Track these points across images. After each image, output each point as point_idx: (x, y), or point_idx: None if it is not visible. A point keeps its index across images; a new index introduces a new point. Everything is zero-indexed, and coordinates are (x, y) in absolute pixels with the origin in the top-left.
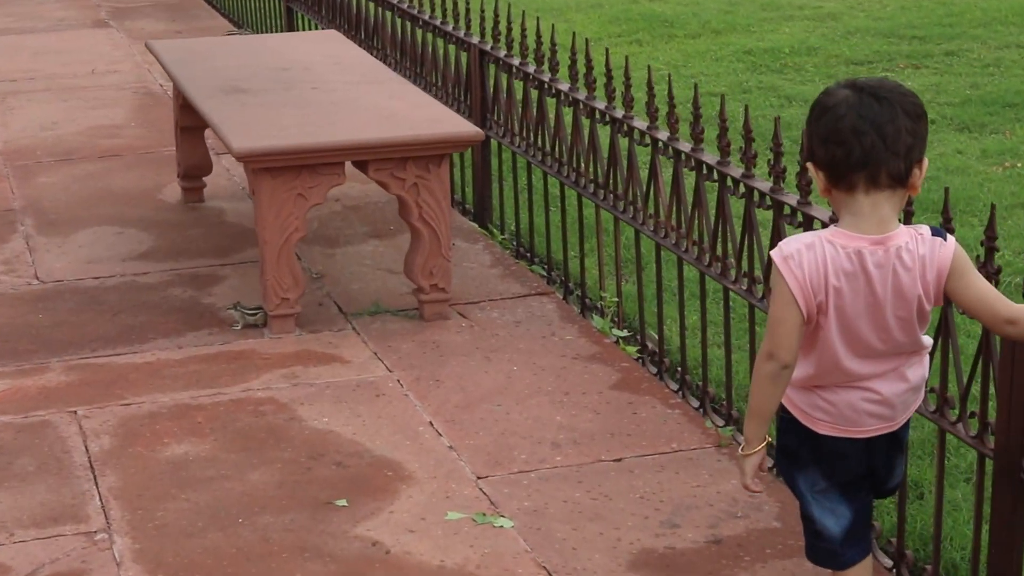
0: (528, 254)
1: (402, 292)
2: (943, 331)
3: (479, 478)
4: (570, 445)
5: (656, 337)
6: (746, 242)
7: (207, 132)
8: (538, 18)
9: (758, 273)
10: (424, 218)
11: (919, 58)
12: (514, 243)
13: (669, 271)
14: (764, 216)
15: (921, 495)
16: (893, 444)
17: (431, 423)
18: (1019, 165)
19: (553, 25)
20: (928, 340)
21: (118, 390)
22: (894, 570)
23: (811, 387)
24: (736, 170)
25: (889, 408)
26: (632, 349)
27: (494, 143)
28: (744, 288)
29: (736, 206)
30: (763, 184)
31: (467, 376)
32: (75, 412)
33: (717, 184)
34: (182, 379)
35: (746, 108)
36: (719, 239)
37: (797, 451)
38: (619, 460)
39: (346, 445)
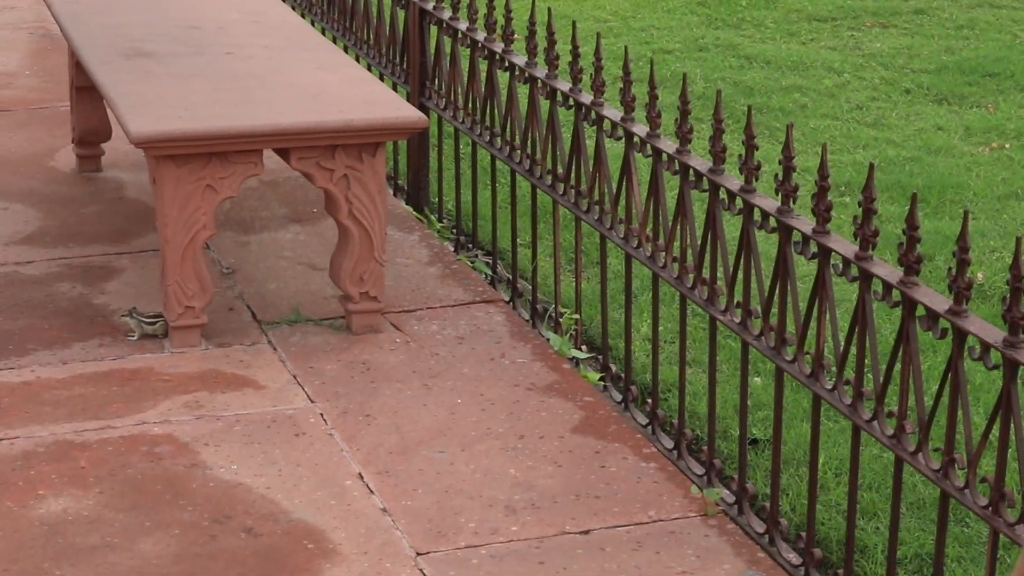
0: (470, 244)
1: (326, 295)
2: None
3: (419, 554)
4: (528, 510)
5: (620, 355)
6: (742, 267)
7: None
8: None
9: (755, 304)
10: (355, 215)
11: (886, 16)
12: (454, 232)
13: (640, 280)
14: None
15: None
16: None
17: (360, 475)
18: (1007, 146)
19: None
20: None
21: None
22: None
23: None
24: (733, 181)
25: None
26: (595, 376)
27: (434, 115)
28: (737, 322)
29: (732, 224)
30: (769, 202)
31: (403, 410)
32: None
33: (708, 195)
34: (65, 406)
35: (749, 111)
36: (706, 259)
37: None
38: (587, 532)
39: (258, 503)
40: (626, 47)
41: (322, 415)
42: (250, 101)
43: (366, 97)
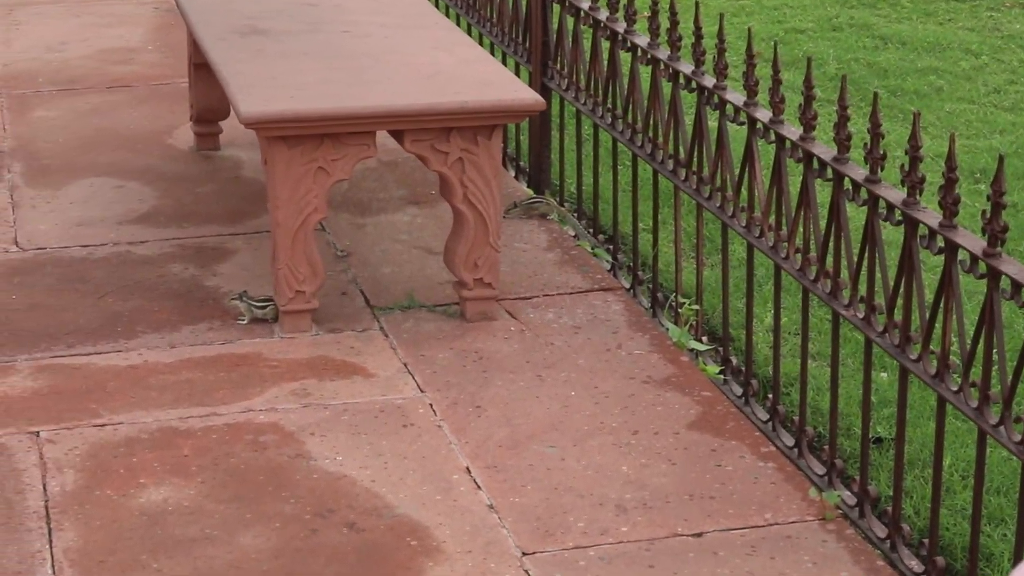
0: (591, 230)
1: (441, 281)
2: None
3: (525, 554)
4: (639, 510)
5: (740, 346)
6: (866, 260)
7: None
8: None
9: (879, 300)
10: (469, 200)
11: None
12: (575, 214)
13: (764, 269)
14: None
15: None
16: None
17: (468, 469)
18: None
19: None
20: None
21: (93, 403)
22: None
23: None
24: (858, 171)
25: None
26: (713, 369)
27: (556, 96)
28: (860, 317)
29: (859, 214)
30: (895, 194)
31: (514, 402)
32: (37, 434)
33: (832, 184)
34: (171, 391)
35: (875, 98)
36: (830, 250)
37: None
38: (700, 535)
39: (362, 497)
40: (750, 29)
41: (431, 405)
42: (364, 81)
43: (482, 78)
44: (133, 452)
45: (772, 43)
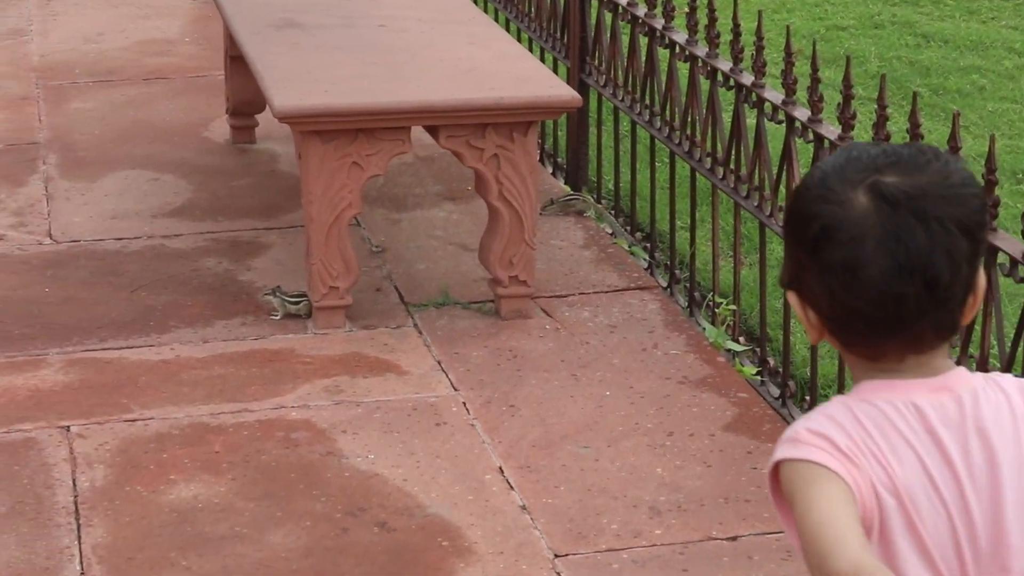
0: (628, 228)
1: (476, 278)
2: None
3: (557, 556)
4: (673, 512)
5: (778, 347)
6: None
7: None
8: None
9: None
10: (505, 197)
11: None
12: (612, 212)
13: None
14: None
15: None
16: None
17: (501, 469)
18: None
19: None
20: None
21: (124, 398)
22: None
23: None
24: None
25: None
26: (750, 370)
27: (594, 93)
28: None
29: None
30: None
31: (549, 401)
32: (67, 428)
33: None
34: (203, 386)
35: (914, 98)
36: None
37: None
38: (734, 539)
39: (393, 496)
40: (788, 27)
41: (465, 404)
42: (399, 76)
43: (519, 74)
44: (164, 448)
45: (812, 40)
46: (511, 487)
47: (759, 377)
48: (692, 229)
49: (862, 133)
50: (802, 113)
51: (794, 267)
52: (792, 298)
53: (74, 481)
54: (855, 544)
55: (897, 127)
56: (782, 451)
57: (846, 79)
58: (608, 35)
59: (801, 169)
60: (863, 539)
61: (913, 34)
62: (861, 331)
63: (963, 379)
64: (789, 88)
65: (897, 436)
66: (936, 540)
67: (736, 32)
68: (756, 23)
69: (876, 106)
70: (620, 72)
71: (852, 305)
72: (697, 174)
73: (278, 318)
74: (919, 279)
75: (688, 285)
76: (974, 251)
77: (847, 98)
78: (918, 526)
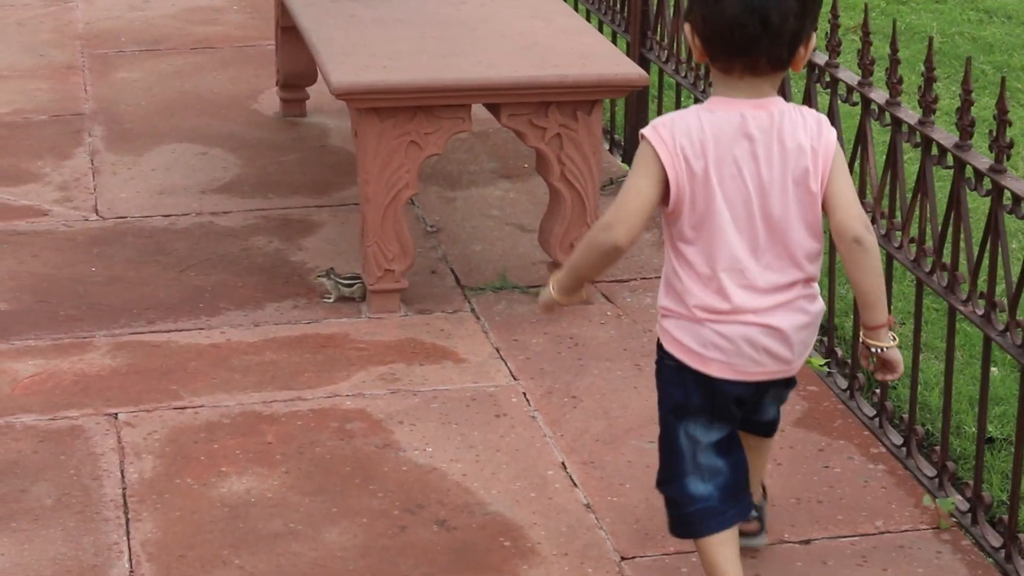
0: None
1: (535, 260)
2: None
3: (623, 559)
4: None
5: (846, 335)
6: (987, 253)
7: None
8: None
9: (1001, 296)
10: (567, 177)
11: None
12: None
13: None
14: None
15: None
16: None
17: (563, 465)
18: None
19: None
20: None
21: (173, 384)
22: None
23: (703, 319)
24: (982, 160)
25: (787, 347)
26: (818, 361)
27: (654, 68)
28: (980, 314)
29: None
30: (1021, 184)
31: (612, 393)
32: (115, 416)
33: (952, 172)
34: (254, 372)
35: (1002, 83)
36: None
37: (685, 402)
38: (807, 542)
39: (453, 492)
40: (867, 5)
41: (525, 395)
42: (458, 52)
43: (582, 50)
44: (215, 438)
45: (879, 13)
46: (575, 484)
47: (827, 368)
48: None
49: (943, 118)
50: (879, 95)
51: (690, 5)
52: (687, 28)
53: (122, 472)
54: (637, 223)
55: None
56: (644, 130)
57: (928, 61)
58: (671, 9)
59: (876, 155)
60: (644, 219)
61: (975, 9)
62: (720, 48)
63: (778, 103)
64: (866, 69)
65: (722, 135)
66: (735, 204)
67: (869, 43)
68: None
69: (961, 90)
70: (683, 48)
71: (714, 27)
72: None
73: (331, 301)
74: (757, 17)
75: None
76: (803, 11)
77: (928, 81)
78: (718, 192)
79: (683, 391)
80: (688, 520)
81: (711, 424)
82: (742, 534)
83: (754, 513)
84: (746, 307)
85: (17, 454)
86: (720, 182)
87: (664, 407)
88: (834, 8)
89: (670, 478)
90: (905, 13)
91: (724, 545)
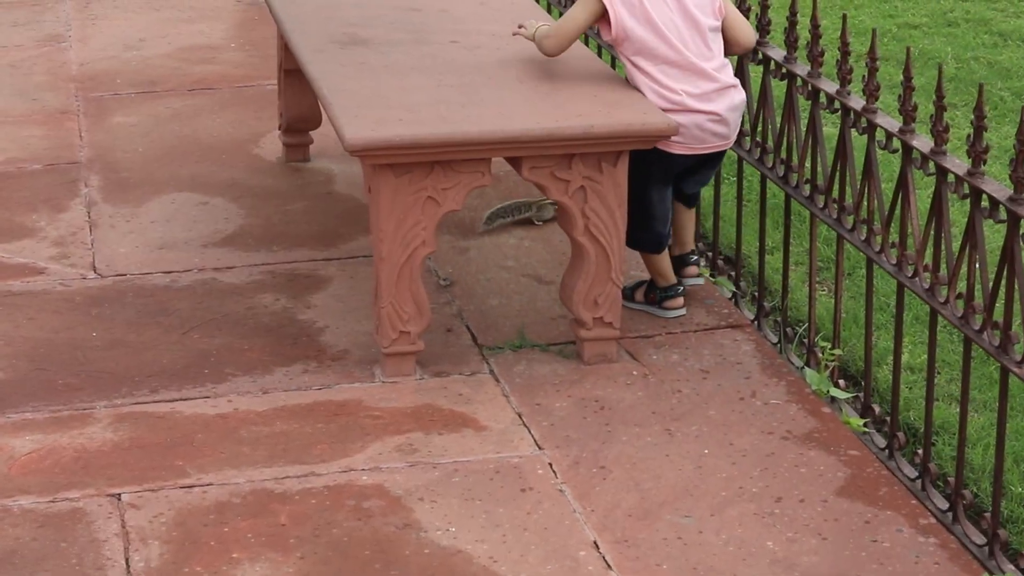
0: (710, 253)
1: (554, 315)
2: None
3: None
4: None
5: (880, 387)
6: None
7: None
8: None
9: None
10: (591, 232)
11: None
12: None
13: (911, 310)
14: None
15: None
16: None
17: (596, 544)
18: None
19: None
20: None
21: (179, 460)
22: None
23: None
24: (1003, 190)
25: (726, 126)
26: (857, 421)
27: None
28: None
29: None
30: None
31: (642, 462)
32: (118, 497)
33: (1006, 224)
34: (265, 445)
35: (1023, 113)
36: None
37: (650, 170)
38: None
39: None
40: (875, 31)
41: (551, 465)
42: (477, 101)
43: (606, 97)
44: (225, 520)
45: (890, 38)
46: (608, 566)
47: (865, 428)
48: (785, 261)
49: (956, 144)
50: (891, 123)
51: None
52: None
53: (127, 560)
54: (567, 44)
55: (991, 138)
56: None
57: (938, 89)
58: None
59: (881, 179)
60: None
61: (989, 32)
62: None
63: None
64: (871, 94)
65: None
66: (663, 24)
67: (815, 35)
68: (840, 25)
69: (974, 116)
70: None
71: None
72: (767, 180)
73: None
74: None
75: (778, 320)
76: None
77: (940, 109)
78: (652, 16)
79: (651, 167)
80: (656, 246)
81: (665, 188)
82: (687, 276)
83: (694, 257)
84: (692, 97)
85: (15, 542)
86: (650, 15)
87: (638, 181)
88: (843, 35)
89: (645, 229)
90: (917, 38)
91: (665, 256)
